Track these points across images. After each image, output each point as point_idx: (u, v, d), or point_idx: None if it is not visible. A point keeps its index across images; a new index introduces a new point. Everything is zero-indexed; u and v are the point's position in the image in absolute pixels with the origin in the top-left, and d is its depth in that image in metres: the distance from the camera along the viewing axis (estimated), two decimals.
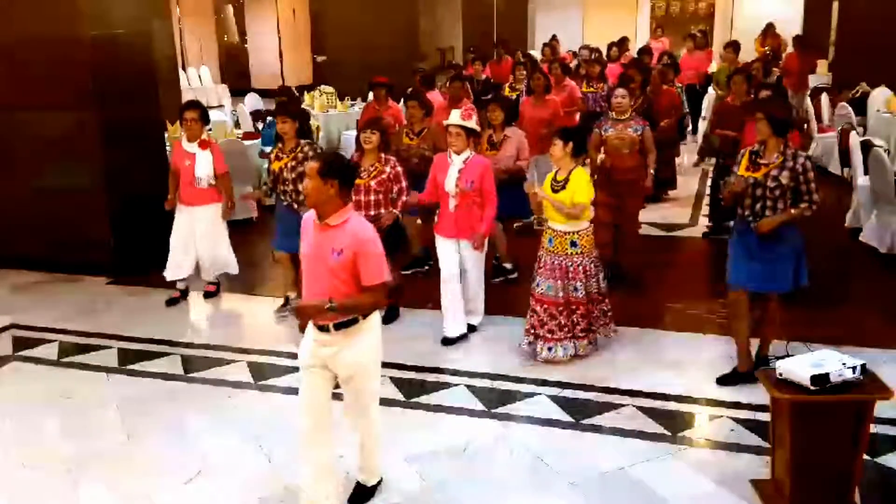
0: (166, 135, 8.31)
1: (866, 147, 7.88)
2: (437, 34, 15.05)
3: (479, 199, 5.52)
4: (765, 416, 4.13)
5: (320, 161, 3.54)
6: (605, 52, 13.63)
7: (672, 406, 4.76)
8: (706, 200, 8.93)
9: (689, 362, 5.30)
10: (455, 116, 5.51)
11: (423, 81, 9.15)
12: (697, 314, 6.06)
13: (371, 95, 9.33)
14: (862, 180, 7.78)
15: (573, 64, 12.62)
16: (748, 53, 16.71)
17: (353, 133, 8.64)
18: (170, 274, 6.55)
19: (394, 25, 13.68)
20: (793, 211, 4.59)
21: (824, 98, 11.26)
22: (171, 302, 6.59)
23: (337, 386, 3.84)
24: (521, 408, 4.80)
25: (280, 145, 5.96)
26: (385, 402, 4.90)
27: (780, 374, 3.58)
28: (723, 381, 4.96)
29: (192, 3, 20.66)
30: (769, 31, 16.60)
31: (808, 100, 11.58)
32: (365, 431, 3.89)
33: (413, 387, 5.10)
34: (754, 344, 5.03)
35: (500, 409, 4.79)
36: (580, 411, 4.75)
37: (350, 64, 12.26)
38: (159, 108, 7.83)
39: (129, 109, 7.08)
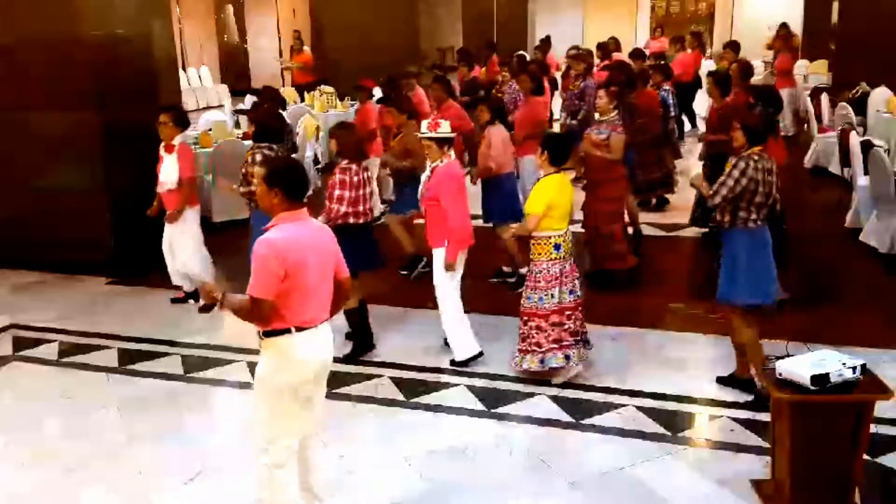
0: None
1: (866, 147, 7.88)
2: (437, 34, 15.07)
3: (440, 208, 5.27)
4: (765, 416, 4.13)
5: (266, 168, 3.46)
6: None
7: (672, 406, 4.76)
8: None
9: (689, 362, 5.30)
10: (423, 127, 5.45)
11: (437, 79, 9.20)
12: (697, 314, 6.05)
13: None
14: (862, 180, 7.77)
15: (563, 67, 12.61)
16: (749, 53, 16.73)
17: None
18: (173, 279, 6.62)
19: (394, 25, 13.69)
20: (704, 183, 4.74)
21: (824, 98, 11.25)
22: (175, 300, 6.65)
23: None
24: (521, 408, 4.80)
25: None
26: (385, 402, 4.94)
27: (780, 374, 3.58)
28: (722, 381, 4.97)
29: (192, 3, 20.65)
30: (782, 31, 16.70)
31: (809, 100, 11.58)
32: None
33: (413, 387, 5.10)
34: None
35: (500, 409, 4.79)
36: (580, 411, 4.75)
37: (350, 64, 12.25)
38: (159, 108, 7.83)
39: (129, 109, 7.08)
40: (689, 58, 13.14)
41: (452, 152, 5.46)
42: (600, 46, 13.53)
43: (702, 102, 12.44)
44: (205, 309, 6.39)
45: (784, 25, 17.06)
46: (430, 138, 5.33)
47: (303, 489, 3.64)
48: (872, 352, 5.01)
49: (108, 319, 6.37)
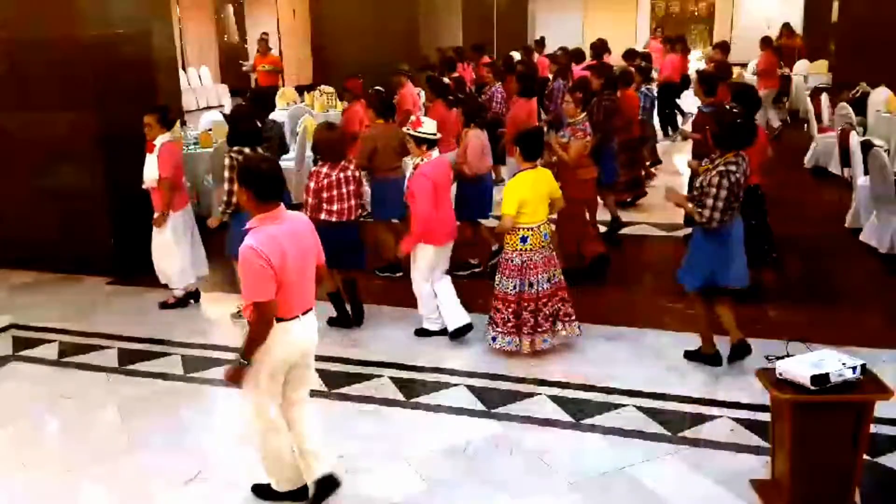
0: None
1: (866, 147, 7.89)
2: (437, 34, 15.04)
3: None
4: (765, 416, 4.13)
5: (238, 168, 3.67)
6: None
7: (672, 406, 4.76)
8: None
9: (689, 362, 5.29)
10: (407, 125, 5.67)
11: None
12: (697, 314, 6.04)
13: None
14: (862, 180, 7.78)
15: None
16: (750, 53, 16.78)
17: None
18: (160, 278, 6.60)
19: (394, 25, 13.68)
20: (690, 205, 4.97)
21: (824, 98, 11.27)
22: (163, 305, 6.61)
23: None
24: (521, 408, 4.80)
25: None
26: (385, 402, 4.94)
27: (780, 374, 3.58)
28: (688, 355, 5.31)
29: (192, 3, 20.66)
30: (784, 31, 16.77)
31: (809, 100, 11.59)
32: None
33: (413, 387, 5.10)
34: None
35: (500, 409, 4.79)
36: (580, 411, 4.75)
37: (350, 64, 12.25)
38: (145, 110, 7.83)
39: (129, 109, 7.06)
40: (676, 59, 13.23)
41: (435, 151, 5.62)
42: (592, 47, 13.61)
43: (692, 103, 12.53)
44: (164, 305, 6.53)
45: (786, 25, 17.14)
46: (409, 136, 5.56)
47: (299, 455, 3.87)
48: (872, 352, 5.01)
49: (108, 319, 6.37)
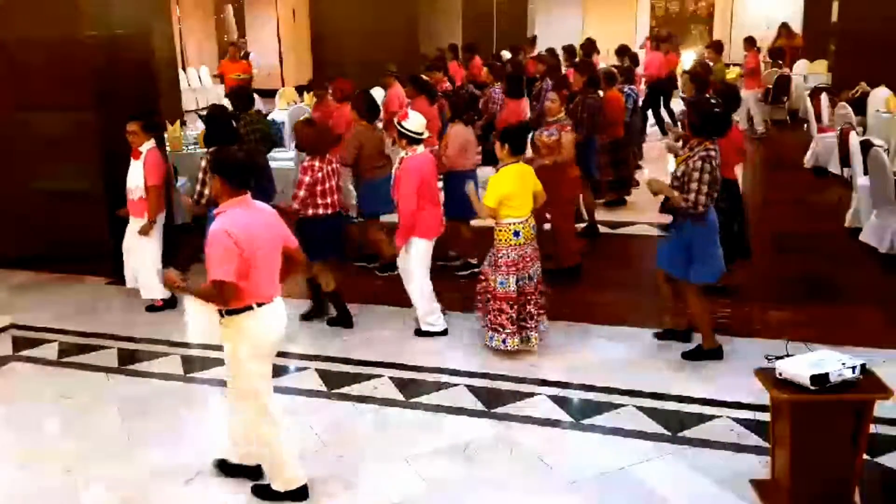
0: (166, 135, 8.30)
1: (866, 147, 7.89)
2: (437, 34, 15.04)
3: None
4: (765, 416, 4.13)
5: (212, 156, 3.85)
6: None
7: (672, 406, 4.76)
8: None
9: (689, 362, 5.29)
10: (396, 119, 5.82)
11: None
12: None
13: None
14: (862, 180, 7.78)
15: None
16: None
17: None
18: (128, 282, 6.58)
19: (394, 25, 13.67)
20: (676, 194, 4.97)
21: (824, 98, 11.27)
22: (150, 308, 6.54)
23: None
24: (521, 408, 4.80)
25: None
26: (385, 402, 4.94)
27: (780, 374, 3.58)
28: (687, 356, 5.32)
29: (192, 3, 20.66)
30: (783, 31, 16.81)
31: (808, 100, 11.59)
32: (234, 420, 4.04)
33: (413, 387, 5.10)
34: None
35: (500, 409, 4.79)
36: (580, 411, 4.75)
37: (350, 64, 12.25)
38: (159, 109, 7.83)
39: (129, 109, 7.06)
40: (659, 58, 13.30)
41: (421, 147, 5.73)
42: (581, 46, 13.66)
43: (677, 103, 12.63)
44: (151, 308, 6.50)
45: (784, 25, 17.17)
46: (395, 127, 5.73)
47: (233, 442, 4.06)
48: (872, 352, 5.00)
49: (108, 319, 6.37)
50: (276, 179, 7.42)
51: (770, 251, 7.58)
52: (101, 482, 4.19)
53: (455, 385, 5.11)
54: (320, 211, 5.78)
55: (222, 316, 3.75)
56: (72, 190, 7.11)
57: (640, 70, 12.29)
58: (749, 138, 11.73)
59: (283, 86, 16.67)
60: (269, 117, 10.03)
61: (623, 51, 12.10)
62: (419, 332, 5.86)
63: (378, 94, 10.28)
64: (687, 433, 4.48)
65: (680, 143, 6.37)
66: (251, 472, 4.09)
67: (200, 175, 5.86)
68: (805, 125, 12.29)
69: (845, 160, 8.63)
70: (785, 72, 14.48)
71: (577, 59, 11.14)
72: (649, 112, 12.54)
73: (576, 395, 4.93)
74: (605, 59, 14.70)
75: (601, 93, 8.43)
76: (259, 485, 4.02)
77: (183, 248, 6.65)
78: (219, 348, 5.73)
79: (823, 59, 15.28)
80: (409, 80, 9.03)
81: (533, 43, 16.29)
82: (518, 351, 5.40)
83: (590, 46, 13.03)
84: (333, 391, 5.09)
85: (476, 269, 7.06)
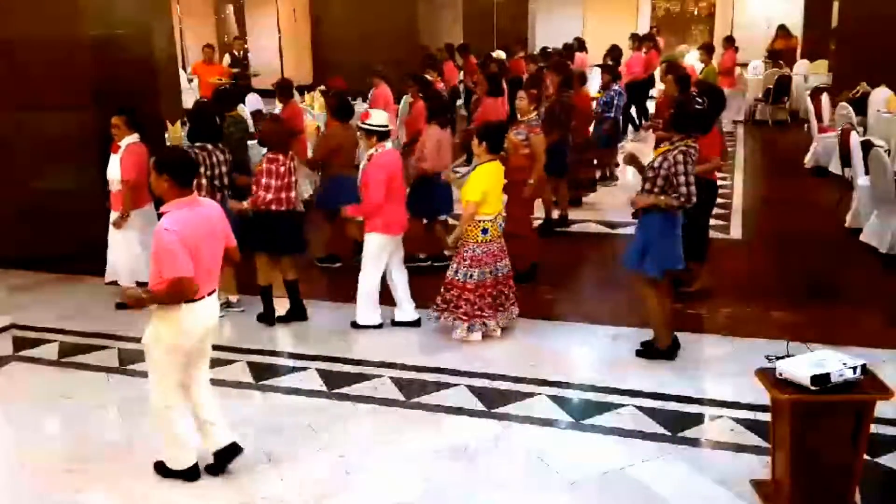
0: (166, 135, 8.30)
1: (866, 147, 7.89)
2: (437, 34, 15.04)
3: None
4: (765, 416, 4.13)
5: (155, 158, 3.91)
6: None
7: (672, 406, 4.75)
8: None
9: (689, 362, 5.29)
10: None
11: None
12: (697, 314, 6.05)
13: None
14: (862, 180, 7.78)
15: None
16: (750, 53, 16.82)
17: None
18: (107, 276, 6.64)
19: (394, 25, 13.69)
20: (662, 197, 4.95)
21: (825, 98, 11.27)
22: (119, 305, 6.43)
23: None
24: (521, 408, 4.80)
25: None
26: (385, 402, 4.94)
27: (780, 374, 3.58)
28: (641, 353, 5.34)
29: (192, 3, 20.66)
30: (780, 32, 16.83)
31: (809, 100, 11.59)
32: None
33: (413, 387, 5.10)
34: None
35: (500, 409, 4.79)
36: (580, 411, 4.75)
37: (350, 64, 12.25)
38: (159, 108, 7.83)
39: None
40: (639, 58, 13.38)
41: (388, 143, 5.81)
42: (566, 47, 13.69)
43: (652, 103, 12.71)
44: (121, 306, 6.37)
45: (782, 27, 17.19)
46: (359, 128, 5.84)
47: (199, 426, 4.15)
48: (872, 352, 5.01)
49: (108, 319, 6.36)
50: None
51: (770, 251, 7.59)
52: (101, 482, 4.18)
53: (455, 385, 5.10)
54: (274, 206, 5.80)
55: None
56: (72, 190, 7.11)
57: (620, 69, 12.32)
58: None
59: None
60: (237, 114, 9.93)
61: (613, 50, 12.22)
62: (354, 325, 5.94)
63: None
64: (687, 433, 4.48)
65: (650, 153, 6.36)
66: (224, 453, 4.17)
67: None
68: (805, 125, 12.29)
69: (846, 160, 8.63)
70: (785, 72, 14.48)
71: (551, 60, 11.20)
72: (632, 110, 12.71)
73: (576, 395, 4.93)
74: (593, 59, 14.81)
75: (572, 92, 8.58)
76: (159, 461, 4.18)
77: None
78: (218, 348, 5.76)
79: (824, 59, 15.28)
80: (412, 79, 9.03)
81: (524, 43, 16.29)
82: (517, 348, 5.41)
83: (578, 46, 13.08)
84: (334, 391, 5.08)
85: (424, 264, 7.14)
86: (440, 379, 5.20)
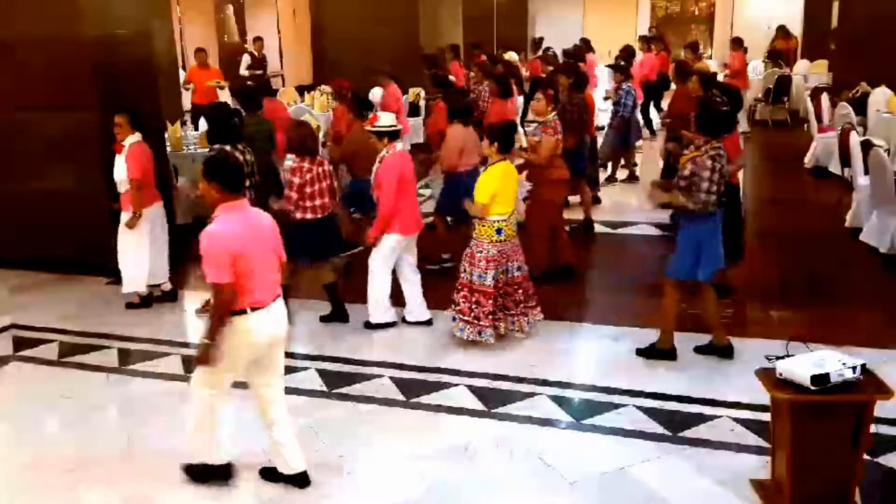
0: (166, 135, 8.30)
1: (866, 147, 7.89)
2: (437, 34, 15.03)
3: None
4: (766, 416, 4.13)
5: (204, 163, 3.79)
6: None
7: (672, 406, 4.76)
8: None
9: (690, 362, 5.29)
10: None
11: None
12: (698, 314, 6.04)
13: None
14: (862, 180, 7.78)
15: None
16: (750, 53, 16.77)
17: None
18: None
19: (394, 25, 13.68)
20: (680, 198, 4.98)
21: (824, 98, 11.27)
22: (129, 305, 6.59)
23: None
24: (521, 408, 4.80)
25: None
26: (385, 402, 4.95)
27: (780, 374, 3.58)
28: (642, 353, 5.33)
29: (193, 3, 20.64)
30: (780, 33, 16.85)
31: (809, 100, 11.60)
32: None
33: (413, 387, 5.10)
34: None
35: (500, 409, 4.79)
36: (580, 411, 4.75)
37: (350, 64, 12.25)
38: (159, 108, 7.82)
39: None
40: (651, 59, 13.43)
41: (399, 144, 5.83)
42: (576, 48, 13.73)
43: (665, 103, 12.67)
44: (130, 305, 6.57)
45: (782, 27, 17.21)
46: (370, 131, 5.82)
47: (270, 445, 4.07)
48: (872, 352, 5.01)
49: (108, 319, 6.37)
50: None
51: (770, 251, 7.59)
52: (101, 482, 4.19)
53: (455, 385, 5.11)
54: (308, 215, 5.75)
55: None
56: (72, 190, 7.10)
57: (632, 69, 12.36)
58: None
59: (284, 86, 16.65)
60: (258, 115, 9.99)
61: (625, 50, 12.21)
62: (368, 325, 5.94)
63: (378, 94, 10.29)
64: (687, 433, 4.48)
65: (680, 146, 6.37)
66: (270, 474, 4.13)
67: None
68: (805, 125, 12.30)
69: (846, 160, 8.64)
70: (785, 72, 14.49)
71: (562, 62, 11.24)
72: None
73: (576, 395, 4.93)
74: (608, 60, 14.75)
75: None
76: (266, 468, 4.10)
77: (184, 247, 6.64)
78: None
79: (824, 59, 15.29)
80: (430, 79, 9.01)
81: (538, 44, 16.28)
82: (517, 348, 5.41)
83: (584, 47, 13.08)
84: (334, 391, 5.09)
85: (447, 266, 7.11)
86: (440, 379, 5.20)
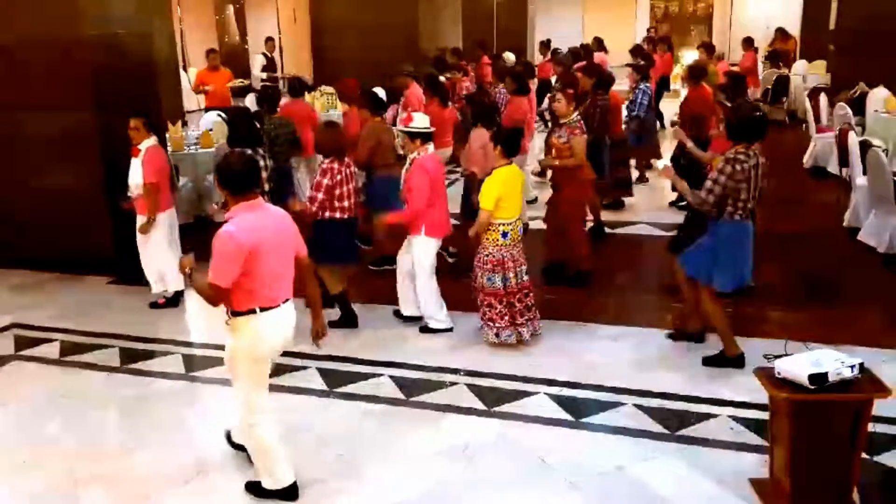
0: (167, 135, 8.31)
1: (864, 147, 7.90)
2: (437, 34, 15.03)
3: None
4: (765, 415, 4.14)
5: (216, 168, 3.79)
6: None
7: (672, 405, 4.77)
8: None
9: (690, 361, 5.30)
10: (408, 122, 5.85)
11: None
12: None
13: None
14: (860, 180, 7.79)
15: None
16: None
17: None
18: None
19: (394, 25, 13.67)
20: (684, 183, 5.09)
21: (823, 98, 11.28)
22: (153, 305, 6.61)
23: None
24: (521, 407, 4.81)
25: None
26: (386, 401, 4.95)
27: (779, 374, 3.59)
28: (708, 362, 5.23)
29: (193, 3, 20.65)
30: (778, 34, 16.90)
31: (807, 100, 11.61)
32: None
33: (413, 386, 5.11)
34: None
35: (501, 409, 4.80)
36: (580, 411, 4.76)
37: (350, 64, 12.25)
38: (160, 108, 7.83)
39: (129, 110, 7.08)
40: (658, 60, 13.40)
41: (431, 146, 5.78)
42: (583, 47, 13.70)
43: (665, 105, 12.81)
44: (154, 305, 6.55)
45: (780, 29, 17.27)
46: (401, 131, 5.79)
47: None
48: (871, 351, 5.02)
49: (109, 319, 6.38)
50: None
51: (768, 251, 7.59)
52: (101, 482, 4.19)
53: (456, 384, 5.12)
54: (337, 214, 5.75)
55: (229, 317, 3.73)
56: (72, 189, 7.11)
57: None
58: None
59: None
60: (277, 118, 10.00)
61: (637, 50, 12.20)
62: (424, 329, 5.89)
63: (380, 94, 10.28)
64: (687, 432, 4.49)
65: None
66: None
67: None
68: (804, 125, 12.31)
69: (844, 160, 8.65)
70: (784, 72, 14.50)
71: (584, 62, 11.19)
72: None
73: (576, 395, 4.94)
74: (620, 59, 14.80)
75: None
76: (251, 481, 4.03)
77: (185, 247, 6.65)
78: (220, 347, 5.78)
79: (822, 59, 15.31)
80: (424, 81, 9.01)
81: (547, 46, 16.26)
82: (517, 348, 5.42)
83: (597, 47, 13.05)
84: (334, 391, 5.10)
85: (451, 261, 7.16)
86: (440, 378, 5.21)
